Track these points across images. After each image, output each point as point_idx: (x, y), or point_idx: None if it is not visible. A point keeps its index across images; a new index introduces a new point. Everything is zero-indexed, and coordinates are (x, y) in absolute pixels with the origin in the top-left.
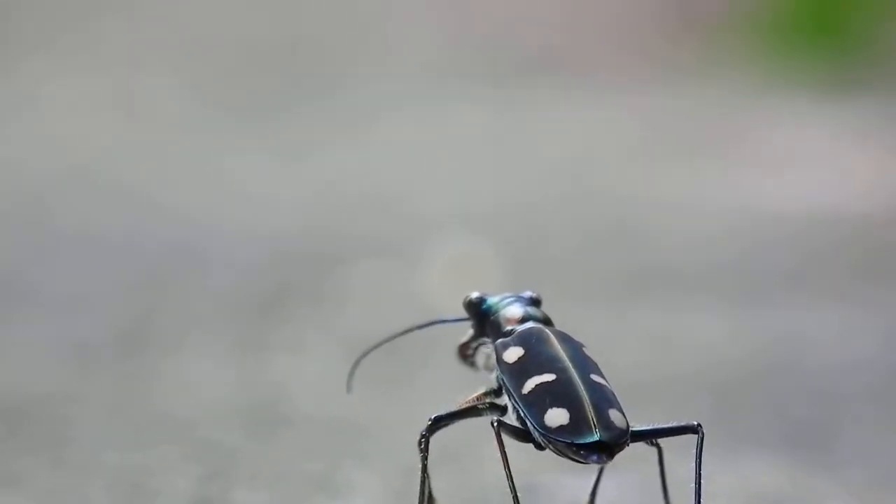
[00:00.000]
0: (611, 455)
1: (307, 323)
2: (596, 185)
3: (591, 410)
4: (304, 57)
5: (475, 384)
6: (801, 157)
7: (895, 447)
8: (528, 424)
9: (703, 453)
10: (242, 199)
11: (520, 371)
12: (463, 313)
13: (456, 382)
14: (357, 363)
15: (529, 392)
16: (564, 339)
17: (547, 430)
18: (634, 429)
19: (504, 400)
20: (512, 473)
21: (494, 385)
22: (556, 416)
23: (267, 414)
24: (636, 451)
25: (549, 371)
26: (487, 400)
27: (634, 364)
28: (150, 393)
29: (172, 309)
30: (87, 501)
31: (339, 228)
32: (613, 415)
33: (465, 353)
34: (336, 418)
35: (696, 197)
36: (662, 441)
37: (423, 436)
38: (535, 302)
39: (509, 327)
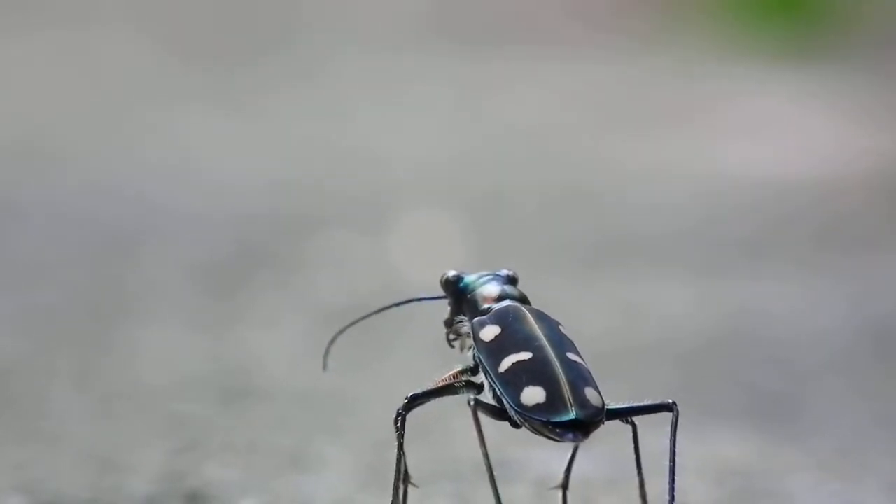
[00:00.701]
0: (586, 433)
1: (276, 291)
2: (558, 152)
3: (568, 389)
4: (269, 21)
5: (451, 362)
6: (761, 125)
7: (859, 416)
8: (505, 403)
9: (677, 431)
10: (206, 161)
11: (496, 349)
12: (440, 291)
13: (428, 357)
14: (333, 340)
15: (506, 370)
16: (541, 317)
17: (523, 409)
18: (610, 407)
19: (480, 378)
20: (488, 451)
21: (471, 363)
22: (533, 395)
23: (237, 386)
24: (610, 427)
25: (526, 349)
26: (464, 378)
27: (598, 334)
28: (118, 364)
29: (137, 276)
30: (59, 475)
31: (305, 191)
32: (589, 393)
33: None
34: (307, 391)
35: (656, 164)
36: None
37: (399, 414)
38: (511, 280)
39: (486, 305)
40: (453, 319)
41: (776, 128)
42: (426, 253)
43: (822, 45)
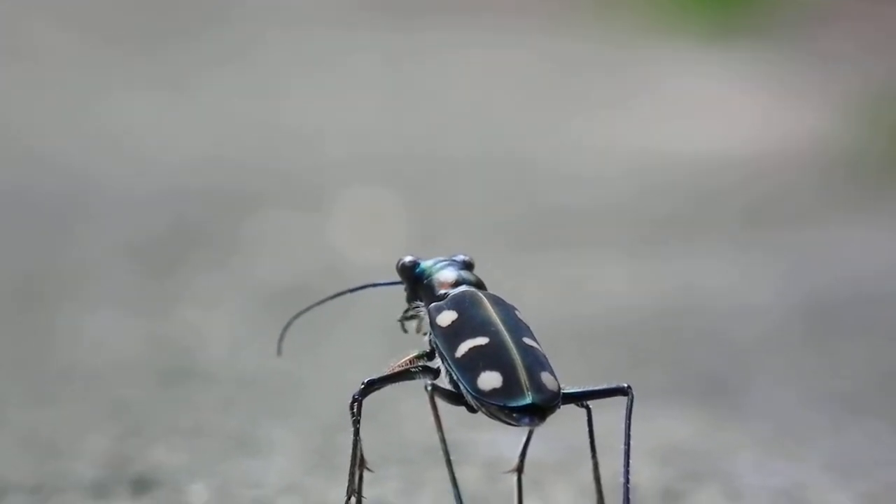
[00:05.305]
0: (542, 417)
1: (214, 271)
2: (492, 129)
3: (524, 374)
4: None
5: (396, 345)
6: (691, 104)
7: (797, 394)
8: (462, 388)
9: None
10: (139, 140)
11: (453, 334)
12: (388, 271)
13: (373, 340)
14: (288, 326)
15: (462, 355)
16: (497, 302)
17: (480, 394)
18: (565, 391)
19: (437, 363)
20: (445, 436)
21: (427, 348)
22: (489, 380)
23: (179, 368)
24: (560, 409)
25: (482, 334)
26: (420, 363)
27: (537, 311)
28: (56, 348)
29: (72, 255)
30: (1, 461)
31: (240, 170)
32: (545, 377)
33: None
34: (251, 374)
35: (589, 141)
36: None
37: (355, 399)
38: (468, 265)
39: (443, 291)
40: (410, 305)
41: (706, 107)
42: (365, 231)
43: (750, 24)
